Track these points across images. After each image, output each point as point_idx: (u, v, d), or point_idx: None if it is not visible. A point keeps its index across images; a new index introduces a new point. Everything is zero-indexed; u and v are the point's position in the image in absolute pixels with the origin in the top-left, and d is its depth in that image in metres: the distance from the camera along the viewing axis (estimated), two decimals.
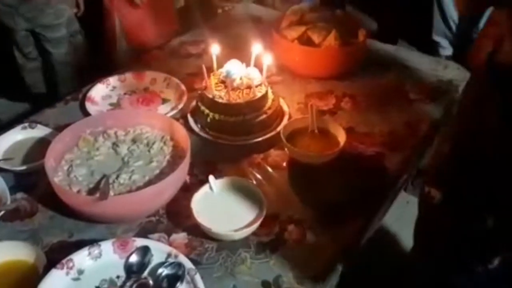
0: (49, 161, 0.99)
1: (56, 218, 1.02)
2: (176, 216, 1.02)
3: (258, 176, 1.13)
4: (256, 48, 1.25)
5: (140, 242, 0.88)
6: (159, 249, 0.88)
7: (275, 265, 0.93)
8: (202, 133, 1.22)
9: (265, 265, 0.93)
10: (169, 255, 0.87)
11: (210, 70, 1.25)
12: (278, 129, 1.22)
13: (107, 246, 0.88)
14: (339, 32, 1.39)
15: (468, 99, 0.81)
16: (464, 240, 0.84)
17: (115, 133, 1.12)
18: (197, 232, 0.98)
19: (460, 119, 0.84)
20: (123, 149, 1.09)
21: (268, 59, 1.21)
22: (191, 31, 1.73)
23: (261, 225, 0.98)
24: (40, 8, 1.98)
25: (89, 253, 0.87)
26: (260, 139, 1.20)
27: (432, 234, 0.92)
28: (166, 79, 1.40)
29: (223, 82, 1.24)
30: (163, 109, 1.31)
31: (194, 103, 1.29)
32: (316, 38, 1.38)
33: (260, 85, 1.23)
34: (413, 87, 1.41)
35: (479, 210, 0.78)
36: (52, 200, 1.02)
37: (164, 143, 1.11)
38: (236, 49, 1.38)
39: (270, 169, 1.15)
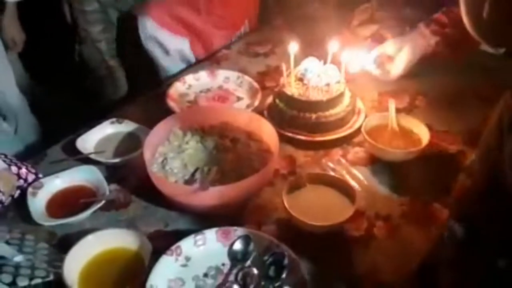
0: (146, 154, 1.04)
1: (150, 208, 1.06)
2: (264, 208, 1.05)
3: (339, 171, 1.15)
4: (333, 45, 1.26)
5: (240, 231, 0.91)
6: (259, 239, 0.90)
7: (367, 260, 0.94)
8: (279, 130, 1.24)
9: (357, 258, 0.95)
10: (270, 244, 0.89)
11: (286, 68, 1.28)
12: (356, 126, 1.23)
13: (210, 234, 0.91)
14: None
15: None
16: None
17: (202, 128, 1.16)
18: (286, 224, 1.00)
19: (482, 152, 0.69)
20: (211, 144, 1.12)
21: (347, 57, 1.22)
22: (253, 32, 1.77)
23: (350, 220, 0.99)
24: None
25: (195, 241, 0.90)
26: (338, 135, 1.21)
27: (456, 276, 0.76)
28: (239, 77, 1.43)
29: (300, 79, 1.26)
30: (238, 106, 1.34)
31: (270, 100, 1.31)
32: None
33: (338, 82, 1.24)
34: (486, 86, 1.39)
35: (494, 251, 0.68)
36: (144, 191, 1.07)
37: (249, 137, 1.14)
38: (306, 47, 1.39)
39: (349, 166, 1.17)
